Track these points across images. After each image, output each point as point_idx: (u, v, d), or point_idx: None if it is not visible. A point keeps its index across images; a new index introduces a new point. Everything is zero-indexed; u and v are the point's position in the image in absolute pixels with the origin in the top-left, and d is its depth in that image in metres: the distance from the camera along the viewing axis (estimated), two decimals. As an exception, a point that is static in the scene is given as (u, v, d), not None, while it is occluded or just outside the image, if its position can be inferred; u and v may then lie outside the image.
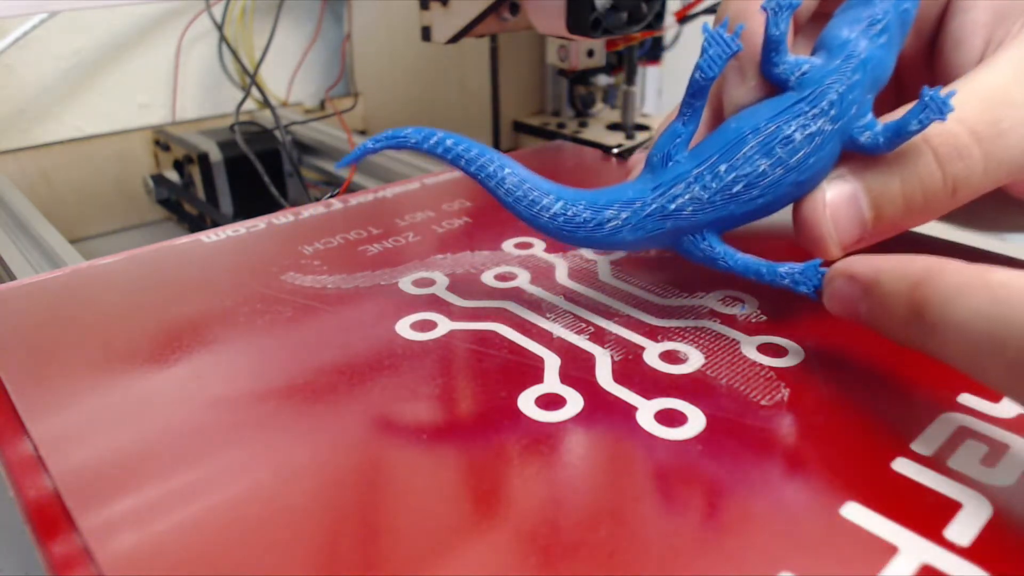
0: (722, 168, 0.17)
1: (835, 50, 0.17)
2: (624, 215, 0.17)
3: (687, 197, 0.17)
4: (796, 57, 0.17)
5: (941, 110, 0.15)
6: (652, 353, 0.18)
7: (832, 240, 0.17)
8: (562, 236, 0.18)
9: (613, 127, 0.40)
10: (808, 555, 0.12)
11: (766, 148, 0.16)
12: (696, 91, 0.17)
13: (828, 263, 0.17)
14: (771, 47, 0.17)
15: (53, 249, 0.28)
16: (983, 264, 0.13)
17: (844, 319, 0.16)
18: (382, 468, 0.14)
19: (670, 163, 0.17)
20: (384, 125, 0.50)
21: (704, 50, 0.16)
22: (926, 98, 0.15)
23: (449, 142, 0.18)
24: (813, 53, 0.17)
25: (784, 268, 0.17)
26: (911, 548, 0.12)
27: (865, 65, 0.16)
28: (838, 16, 0.17)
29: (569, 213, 0.18)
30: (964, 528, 0.13)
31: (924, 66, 0.20)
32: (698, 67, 0.17)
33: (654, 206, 0.17)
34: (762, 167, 0.16)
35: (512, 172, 0.18)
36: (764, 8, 0.16)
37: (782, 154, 0.16)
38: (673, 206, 0.17)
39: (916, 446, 0.14)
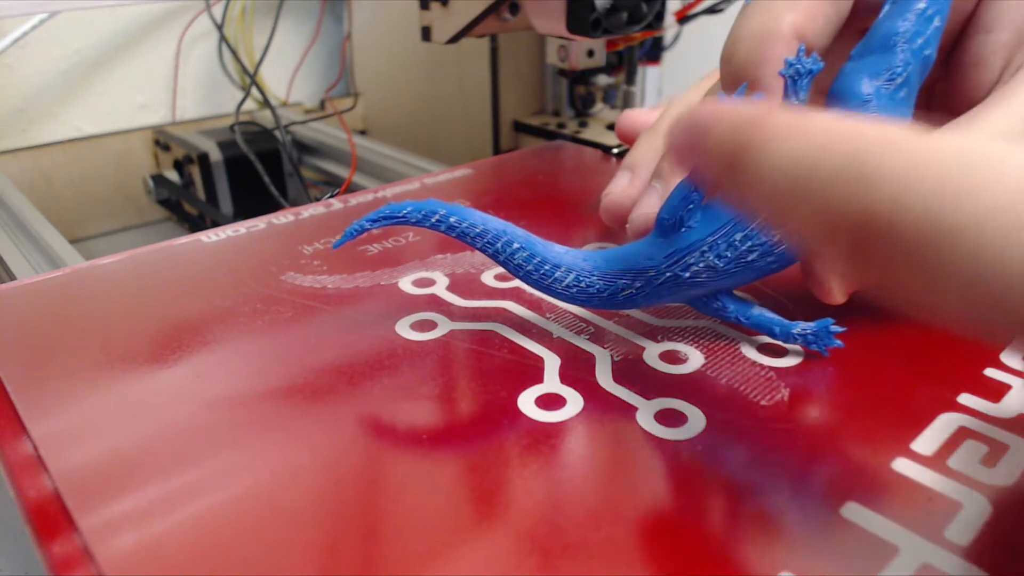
0: (737, 237, 0.16)
1: (853, 108, 0.16)
2: (637, 284, 0.17)
3: (702, 265, 0.16)
4: None
5: None
6: (652, 353, 0.17)
7: (838, 290, 0.17)
8: (576, 303, 0.18)
9: (613, 127, 0.40)
10: (808, 555, 0.12)
11: None
12: None
13: (840, 322, 0.17)
14: None
15: (53, 249, 0.28)
16: (809, 111, 0.12)
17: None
18: (382, 468, 0.14)
19: (683, 229, 0.16)
20: (384, 125, 0.50)
21: None
22: None
23: (452, 220, 0.17)
24: (828, 104, 0.16)
25: (797, 329, 0.17)
26: (911, 548, 0.12)
27: None
28: (855, 63, 0.16)
29: (582, 284, 0.17)
30: (964, 528, 0.13)
31: (939, 78, 0.20)
32: None
33: (668, 275, 0.17)
34: (778, 235, 0.16)
35: (521, 247, 0.17)
36: (783, 75, 0.16)
37: None
38: (687, 274, 0.17)
39: (916, 446, 0.14)
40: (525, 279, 0.17)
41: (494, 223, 0.17)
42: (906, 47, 0.16)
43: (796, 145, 0.11)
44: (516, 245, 0.17)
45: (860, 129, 0.11)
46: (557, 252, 0.17)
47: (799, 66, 0.16)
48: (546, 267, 0.17)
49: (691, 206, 0.16)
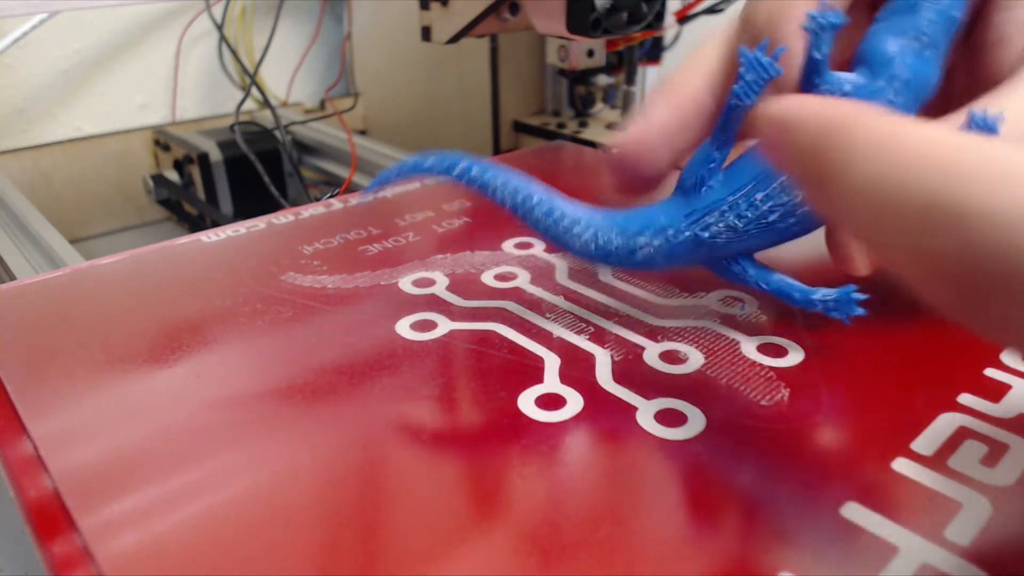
0: (758, 197, 0.16)
1: (878, 68, 0.16)
2: (656, 242, 0.17)
3: (722, 226, 0.16)
4: (838, 75, 0.16)
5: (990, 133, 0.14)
6: (652, 353, 0.18)
7: (862, 260, 0.17)
8: (594, 260, 0.18)
9: (613, 127, 0.40)
10: (808, 555, 0.12)
11: None
12: (731, 117, 0.16)
13: (862, 288, 0.16)
14: (812, 69, 0.16)
15: (53, 249, 0.28)
16: (907, 119, 0.10)
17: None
18: (382, 468, 0.14)
19: (703, 189, 0.16)
20: (384, 125, 0.50)
21: (741, 76, 0.15)
22: (975, 120, 0.14)
23: (474, 171, 0.17)
24: (853, 66, 0.16)
25: (818, 295, 0.17)
26: (911, 548, 0.12)
27: (910, 84, 0.15)
28: (881, 24, 0.16)
29: (600, 240, 0.17)
30: (964, 528, 0.13)
31: (960, 56, 0.19)
32: (734, 93, 0.16)
33: (687, 234, 0.17)
34: (799, 196, 0.16)
35: (541, 200, 0.17)
36: (806, 28, 0.15)
37: None
38: (707, 234, 0.17)
39: (916, 446, 0.14)
40: (544, 232, 0.18)
41: (516, 178, 0.18)
42: (930, 6, 0.16)
43: (884, 164, 0.10)
44: (536, 199, 0.17)
45: (960, 147, 0.09)
46: (577, 208, 0.18)
47: (822, 20, 0.15)
48: (565, 221, 0.17)
49: (712, 165, 0.16)
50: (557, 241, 0.18)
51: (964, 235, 0.09)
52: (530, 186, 0.18)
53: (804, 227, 0.16)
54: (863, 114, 0.11)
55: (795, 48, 0.16)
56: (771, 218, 0.16)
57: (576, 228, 0.17)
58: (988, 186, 0.09)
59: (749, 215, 0.16)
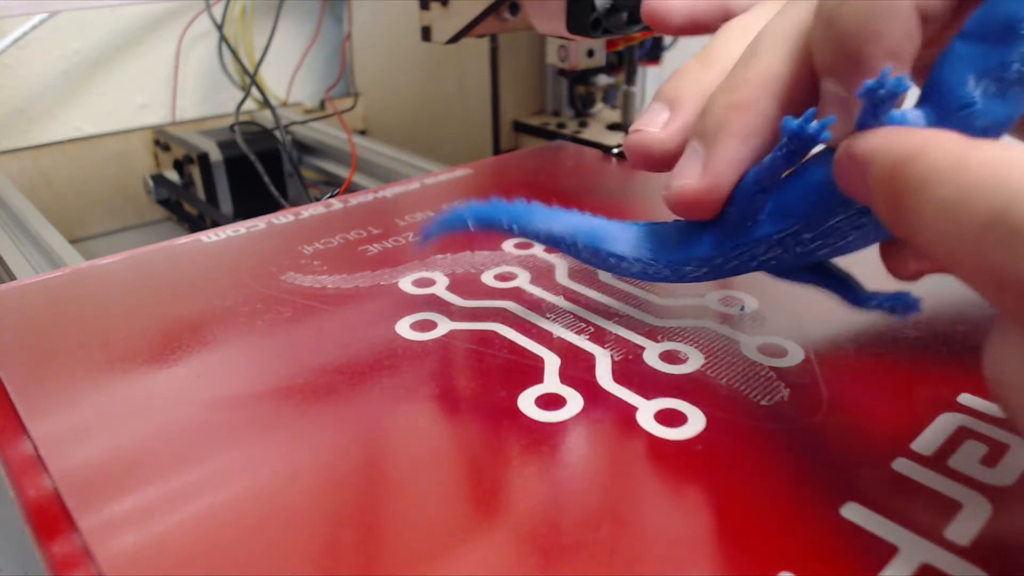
0: (807, 236, 0.15)
1: (949, 112, 0.13)
2: (704, 270, 0.17)
3: (768, 256, 0.16)
4: (901, 114, 0.13)
5: None
6: (652, 353, 0.18)
7: (915, 267, 0.16)
8: (648, 280, 0.18)
9: (613, 127, 0.40)
10: (808, 555, 0.12)
11: (856, 222, 0.15)
12: (781, 165, 0.15)
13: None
14: (871, 112, 0.13)
15: (53, 249, 0.28)
16: (976, 141, 0.11)
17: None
18: (382, 468, 0.14)
19: (750, 224, 0.16)
20: (384, 125, 0.50)
21: (784, 145, 0.14)
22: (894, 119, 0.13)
23: (516, 230, 0.18)
24: (922, 101, 0.14)
25: (876, 299, 0.16)
26: (911, 548, 0.12)
27: (987, 132, 0.13)
28: (963, 48, 0.13)
29: (650, 272, 0.17)
30: (964, 528, 0.13)
31: None
32: (780, 157, 0.14)
33: (735, 263, 0.16)
34: (851, 237, 0.15)
35: (585, 246, 0.17)
36: (860, 97, 0.13)
37: (873, 228, 0.15)
38: (754, 263, 0.16)
39: (916, 446, 0.14)
40: (596, 267, 0.18)
41: (558, 226, 0.18)
42: None
43: (951, 188, 0.10)
44: (580, 245, 0.17)
45: (1012, 168, 0.10)
46: (621, 242, 0.17)
47: (883, 90, 0.13)
48: (611, 260, 0.17)
49: (758, 204, 0.15)
50: (612, 272, 0.18)
51: (1016, 247, 0.09)
52: (572, 231, 0.18)
53: (857, 247, 0.16)
54: (934, 138, 0.11)
55: (875, 69, 0.13)
56: (819, 253, 0.16)
57: (624, 264, 0.17)
58: None
59: (797, 250, 0.16)
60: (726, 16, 0.20)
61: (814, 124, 0.14)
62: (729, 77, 0.16)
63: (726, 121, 0.15)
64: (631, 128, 0.18)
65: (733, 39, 0.17)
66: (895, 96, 0.13)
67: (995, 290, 0.10)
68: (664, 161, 0.17)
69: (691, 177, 0.16)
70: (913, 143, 0.12)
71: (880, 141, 0.12)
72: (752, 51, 0.16)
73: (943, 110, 0.13)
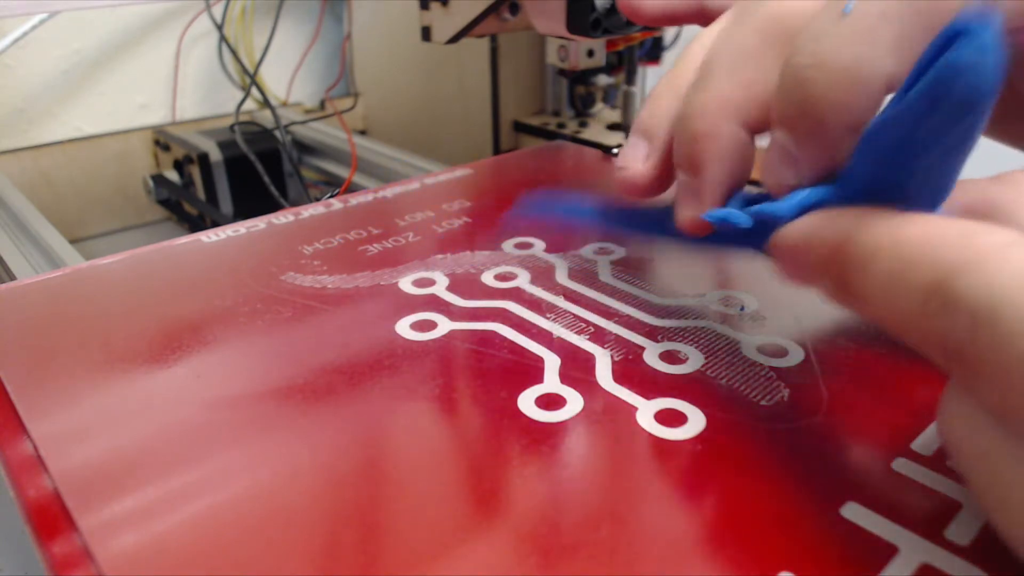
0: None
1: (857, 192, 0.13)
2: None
3: None
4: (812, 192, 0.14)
5: None
6: (652, 353, 0.18)
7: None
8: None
9: (613, 127, 0.40)
10: (808, 555, 0.12)
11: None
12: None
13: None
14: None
15: (53, 249, 0.28)
16: (910, 214, 0.11)
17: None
18: (382, 468, 0.14)
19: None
20: (384, 125, 0.50)
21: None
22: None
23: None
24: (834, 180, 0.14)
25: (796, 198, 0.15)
26: (911, 548, 0.12)
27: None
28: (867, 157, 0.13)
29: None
30: (964, 528, 0.13)
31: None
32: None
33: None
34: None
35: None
36: (710, 220, 0.14)
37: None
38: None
39: (916, 446, 0.14)
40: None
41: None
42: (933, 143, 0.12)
43: (891, 262, 0.11)
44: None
45: (943, 241, 0.11)
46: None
47: (719, 224, 0.15)
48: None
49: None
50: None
51: (948, 326, 0.10)
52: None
53: None
54: (866, 216, 0.12)
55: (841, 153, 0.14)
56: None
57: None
58: (977, 274, 0.10)
59: None
60: (701, 10, 0.21)
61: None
62: (686, 103, 0.16)
63: (698, 152, 0.16)
64: (617, 165, 0.18)
65: (698, 59, 0.17)
66: (735, 227, 0.14)
67: (941, 357, 0.11)
68: (652, 189, 0.18)
69: (691, 209, 0.16)
70: (843, 226, 0.12)
71: (812, 228, 0.13)
72: (704, 74, 0.16)
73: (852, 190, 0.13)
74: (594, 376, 0.17)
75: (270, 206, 0.31)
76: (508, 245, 0.23)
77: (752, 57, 0.15)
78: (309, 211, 0.26)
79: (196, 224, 0.40)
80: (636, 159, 0.18)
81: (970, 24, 0.11)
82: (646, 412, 0.15)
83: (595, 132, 0.40)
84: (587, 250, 0.23)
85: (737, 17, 0.16)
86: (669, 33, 0.42)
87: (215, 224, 0.28)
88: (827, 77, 0.13)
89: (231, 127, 0.39)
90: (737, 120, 0.15)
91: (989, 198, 0.14)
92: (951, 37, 0.11)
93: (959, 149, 0.12)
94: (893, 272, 0.11)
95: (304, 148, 0.45)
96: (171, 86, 0.48)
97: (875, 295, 0.11)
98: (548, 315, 0.19)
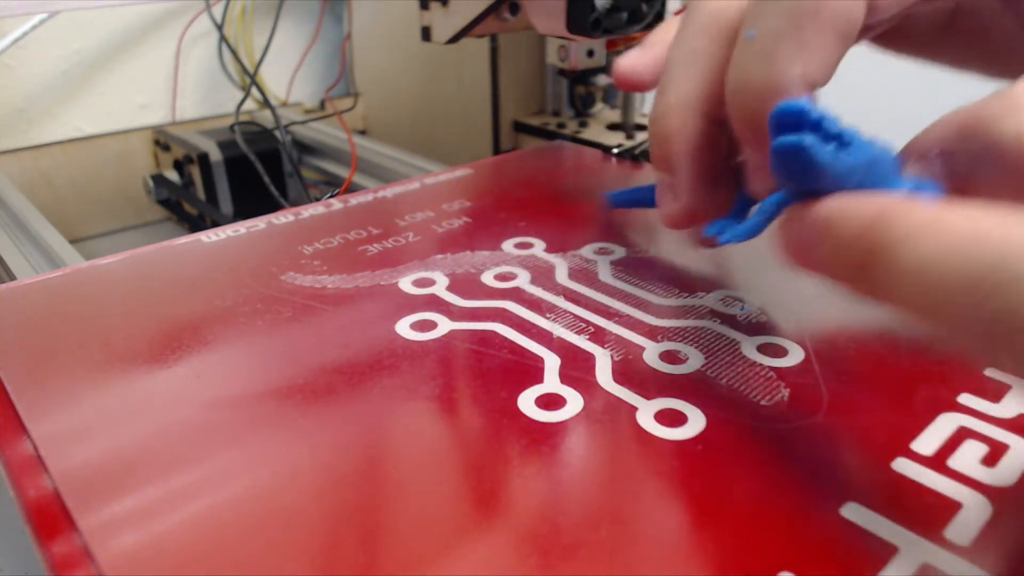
0: None
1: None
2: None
3: None
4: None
5: None
6: (652, 353, 0.18)
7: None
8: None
9: (613, 127, 0.40)
10: (808, 555, 0.12)
11: None
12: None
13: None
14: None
15: (53, 249, 0.28)
16: (948, 203, 0.12)
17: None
18: (382, 468, 0.14)
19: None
20: (384, 125, 0.50)
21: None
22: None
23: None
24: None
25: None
26: (911, 548, 0.12)
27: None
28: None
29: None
30: (964, 528, 0.13)
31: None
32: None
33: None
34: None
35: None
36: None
37: None
38: None
39: (916, 446, 0.14)
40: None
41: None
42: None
43: (939, 243, 0.11)
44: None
45: (1008, 225, 0.11)
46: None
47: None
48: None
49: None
50: None
51: (1012, 301, 0.10)
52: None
53: None
54: (901, 200, 0.12)
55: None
56: None
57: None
58: None
59: None
60: None
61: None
62: (656, 103, 0.18)
63: (669, 149, 0.18)
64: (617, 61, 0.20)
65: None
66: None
67: (987, 340, 0.11)
68: (643, 81, 0.20)
69: (669, 204, 0.18)
70: (886, 204, 0.12)
71: (841, 207, 0.13)
72: (666, 78, 0.18)
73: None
74: (594, 376, 0.17)
75: (270, 206, 0.31)
76: (508, 245, 0.23)
77: (702, 54, 0.17)
78: (309, 211, 0.26)
79: (196, 224, 0.40)
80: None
81: (786, 108, 0.13)
82: (646, 412, 0.15)
83: (595, 132, 0.40)
84: (587, 250, 0.23)
85: (683, 21, 0.18)
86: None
87: (215, 224, 0.28)
88: (752, 95, 0.15)
89: (231, 127, 0.39)
90: (700, 113, 0.17)
91: (975, 113, 0.14)
92: (777, 122, 0.13)
93: (842, 164, 0.13)
94: (934, 252, 0.11)
95: (304, 148, 0.45)
96: (171, 86, 0.48)
97: (910, 277, 0.11)
98: (548, 315, 0.19)
